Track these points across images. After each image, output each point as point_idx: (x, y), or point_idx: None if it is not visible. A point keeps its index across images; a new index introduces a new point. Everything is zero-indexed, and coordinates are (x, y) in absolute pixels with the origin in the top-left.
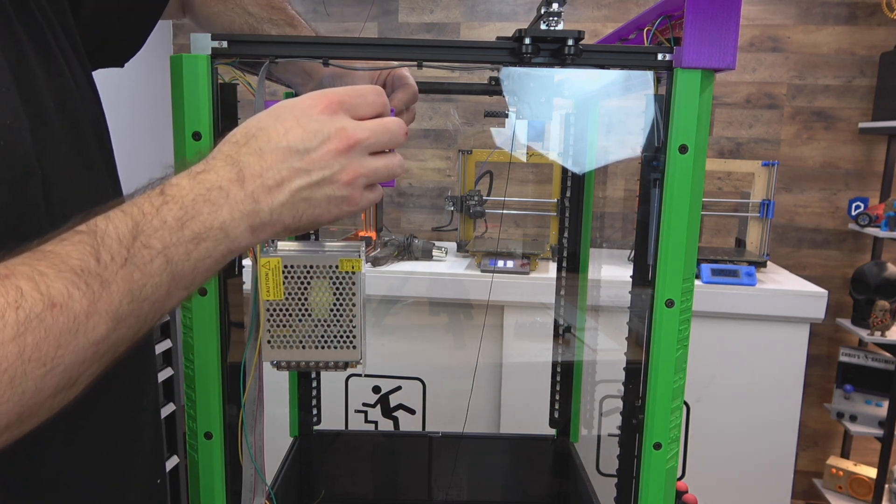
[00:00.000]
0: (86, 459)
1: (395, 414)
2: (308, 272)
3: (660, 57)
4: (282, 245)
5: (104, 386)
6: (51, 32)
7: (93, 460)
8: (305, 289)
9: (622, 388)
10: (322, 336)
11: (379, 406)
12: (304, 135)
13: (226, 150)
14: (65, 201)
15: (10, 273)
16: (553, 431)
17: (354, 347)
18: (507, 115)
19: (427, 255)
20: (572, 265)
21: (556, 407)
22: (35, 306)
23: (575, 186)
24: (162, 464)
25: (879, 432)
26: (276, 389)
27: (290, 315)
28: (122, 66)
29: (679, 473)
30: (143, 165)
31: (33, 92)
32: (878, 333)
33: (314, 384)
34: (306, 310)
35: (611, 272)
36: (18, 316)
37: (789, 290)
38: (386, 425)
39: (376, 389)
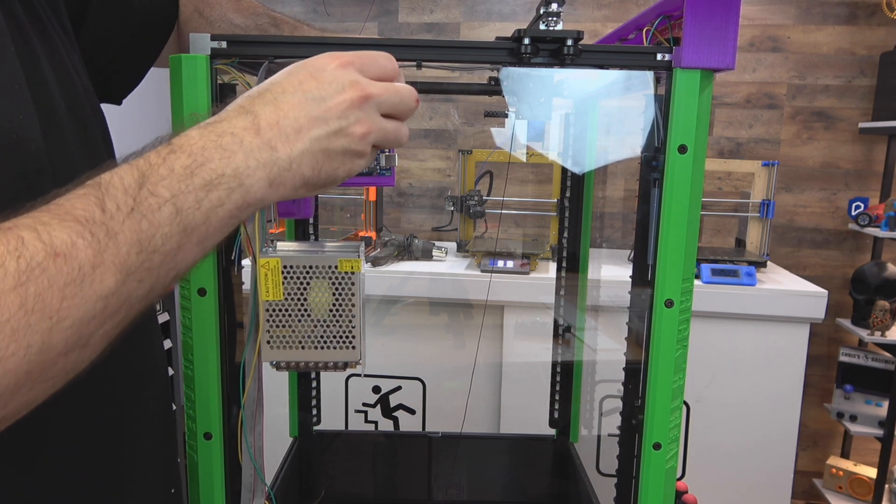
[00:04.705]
0: (72, 466)
1: (395, 414)
2: (307, 272)
3: (659, 57)
4: (281, 245)
5: (95, 387)
6: (60, 42)
7: (81, 467)
8: (305, 289)
9: (622, 388)
10: (321, 336)
11: (379, 406)
12: (319, 85)
13: (239, 102)
14: None
15: (13, 226)
16: (553, 431)
17: (354, 348)
18: (506, 115)
19: (427, 255)
20: (572, 265)
21: (556, 407)
22: (36, 255)
23: (575, 186)
24: (175, 472)
25: (879, 432)
26: (275, 389)
27: (290, 315)
28: (119, 103)
29: (679, 473)
30: None
31: (45, 93)
32: (878, 333)
33: (314, 384)
34: (306, 310)
35: (611, 272)
36: (19, 265)
37: (789, 290)
38: (386, 425)
39: (376, 389)
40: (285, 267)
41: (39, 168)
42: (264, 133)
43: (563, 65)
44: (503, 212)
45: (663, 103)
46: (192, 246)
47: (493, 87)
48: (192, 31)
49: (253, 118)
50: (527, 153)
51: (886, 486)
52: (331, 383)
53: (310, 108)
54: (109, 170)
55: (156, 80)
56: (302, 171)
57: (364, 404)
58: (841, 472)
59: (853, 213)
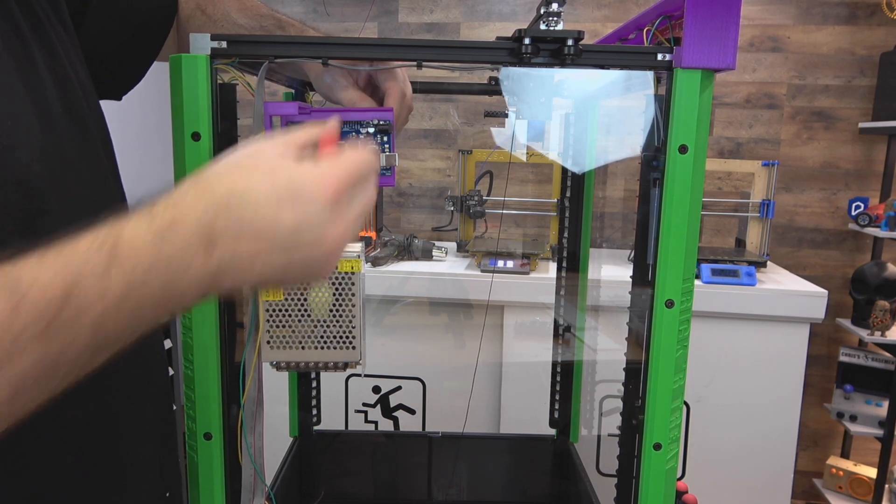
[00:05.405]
0: (71, 466)
1: (395, 414)
2: None
3: (659, 57)
4: None
5: (95, 387)
6: (58, 40)
7: (80, 467)
8: (305, 289)
9: (622, 389)
10: (321, 336)
11: (379, 406)
12: (296, 226)
13: (203, 205)
14: (73, 204)
15: None
16: (553, 431)
17: (354, 348)
18: (507, 115)
19: (427, 255)
20: (572, 265)
21: (556, 407)
22: None
23: (575, 186)
24: (175, 474)
25: (879, 432)
26: (275, 389)
27: (290, 315)
28: (119, 98)
29: (679, 473)
30: (143, 166)
31: (41, 94)
32: (878, 333)
33: (314, 384)
34: (306, 310)
35: (611, 272)
36: None
37: (789, 290)
38: (386, 425)
39: (376, 389)
40: None
41: (35, 170)
42: (215, 254)
43: (563, 65)
44: (503, 212)
45: (664, 103)
46: (103, 355)
47: (494, 87)
48: (193, 29)
49: (210, 241)
50: (527, 153)
51: (886, 486)
52: (331, 383)
53: (274, 255)
54: (40, 259)
55: (156, 78)
56: (240, 289)
57: (364, 404)
58: (841, 472)
59: (853, 213)
